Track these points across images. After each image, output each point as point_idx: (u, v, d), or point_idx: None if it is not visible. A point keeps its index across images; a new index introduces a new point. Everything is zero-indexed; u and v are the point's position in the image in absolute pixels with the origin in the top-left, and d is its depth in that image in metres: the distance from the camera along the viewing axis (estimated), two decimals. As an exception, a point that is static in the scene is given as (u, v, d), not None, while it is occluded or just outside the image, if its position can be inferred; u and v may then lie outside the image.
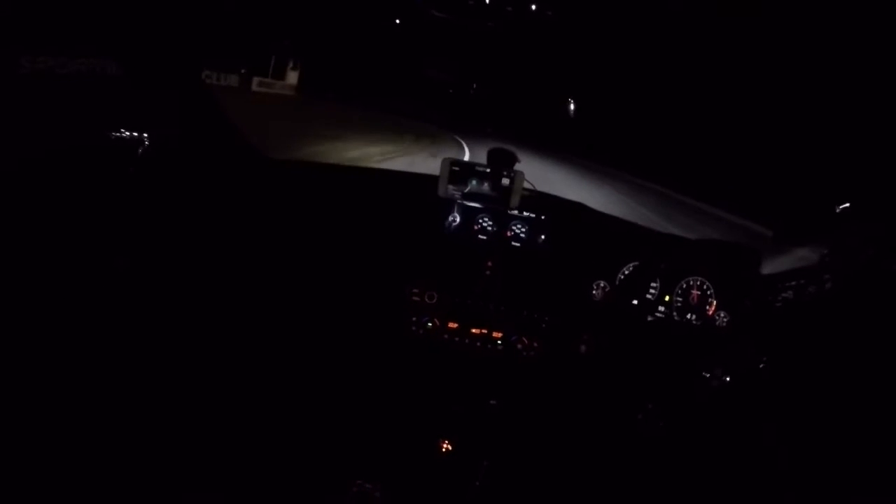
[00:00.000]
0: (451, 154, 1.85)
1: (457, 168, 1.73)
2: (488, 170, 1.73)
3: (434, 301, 1.70)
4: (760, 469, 1.61)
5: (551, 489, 1.66)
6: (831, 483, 1.42)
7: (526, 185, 1.75)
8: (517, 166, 1.77)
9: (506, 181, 1.73)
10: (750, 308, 1.72)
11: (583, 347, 1.68)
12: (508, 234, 1.75)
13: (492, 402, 1.70)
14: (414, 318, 1.71)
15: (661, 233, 1.93)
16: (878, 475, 1.34)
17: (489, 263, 1.71)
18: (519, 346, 1.69)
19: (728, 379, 1.66)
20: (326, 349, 1.74)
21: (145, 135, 1.58)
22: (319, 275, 1.73)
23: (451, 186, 1.73)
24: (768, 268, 1.80)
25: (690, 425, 1.67)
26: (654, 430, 1.62)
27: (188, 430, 1.59)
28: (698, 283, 1.75)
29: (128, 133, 1.58)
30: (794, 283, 1.67)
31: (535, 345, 1.70)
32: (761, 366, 1.61)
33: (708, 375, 1.63)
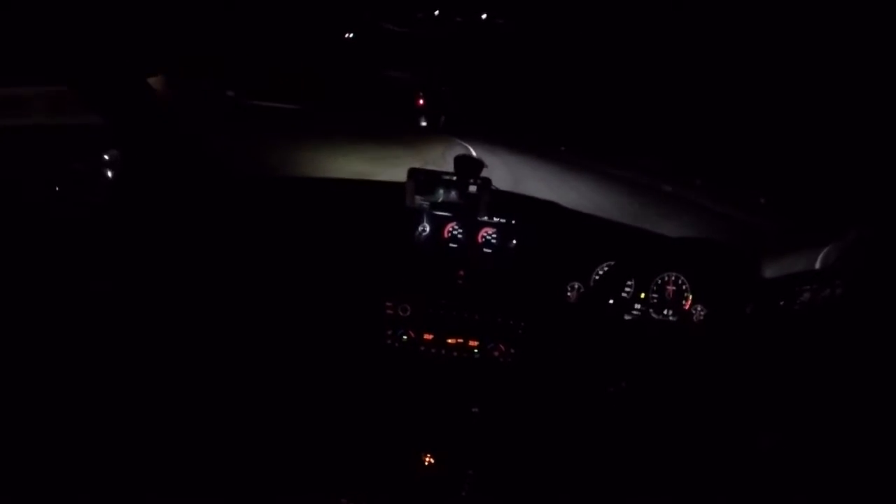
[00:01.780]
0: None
1: (423, 178, 1.72)
2: (455, 178, 1.72)
3: (408, 313, 1.68)
4: (744, 460, 1.61)
5: (537, 493, 1.64)
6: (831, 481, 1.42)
7: (495, 188, 1.74)
8: (485, 172, 1.77)
9: (473, 188, 1.72)
10: (752, 311, 1.68)
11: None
12: (479, 240, 1.74)
13: (473, 409, 1.69)
14: (389, 332, 1.69)
15: (635, 227, 1.92)
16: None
17: (461, 272, 1.70)
18: (496, 353, 1.68)
19: (705, 373, 1.66)
20: (302, 366, 1.73)
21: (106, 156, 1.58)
22: (290, 292, 1.72)
23: (418, 197, 1.72)
24: (771, 271, 1.77)
25: (668, 419, 1.66)
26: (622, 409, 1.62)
27: (163, 448, 1.58)
28: (673, 278, 1.75)
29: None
30: (805, 287, 1.65)
31: (512, 351, 1.68)
32: (772, 367, 1.59)
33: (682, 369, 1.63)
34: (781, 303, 1.65)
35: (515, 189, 1.85)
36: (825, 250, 1.68)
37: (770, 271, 1.76)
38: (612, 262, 1.73)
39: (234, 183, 1.87)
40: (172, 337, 1.67)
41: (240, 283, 1.73)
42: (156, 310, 1.66)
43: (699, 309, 1.75)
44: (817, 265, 1.70)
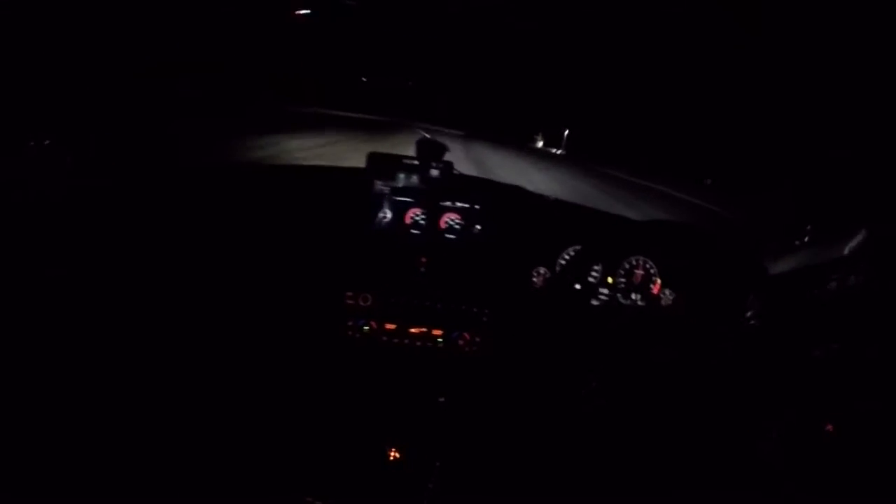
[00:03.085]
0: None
1: (383, 162, 1.66)
2: (416, 162, 1.66)
3: (369, 303, 1.62)
4: (725, 450, 1.58)
5: (506, 484, 1.60)
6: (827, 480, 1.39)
7: (459, 172, 1.69)
8: (447, 156, 1.71)
9: (435, 172, 1.66)
10: (759, 306, 1.65)
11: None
12: (442, 226, 1.68)
13: (440, 399, 1.63)
14: (350, 323, 1.63)
15: (602, 212, 1.88)
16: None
17: (423, 259, 1.64)
18: (460, 342, 1.62)
19: (676, 356, 1.63)
20: (260, 358, 1.65)
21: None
22: (246, 283, 1.64)
23: (378, 182, 1.66)
24: (777, 267, 1.74)
25: (636, 404, 1.62)
26: (596, 408, 1.58)
27: (115, 442, 1.49)
28: (640, 262, 1.71)
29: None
30: (816, 280, 1.57)
31: (477, 339, 1.63)
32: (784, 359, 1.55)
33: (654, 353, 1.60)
34: (790, 297, 1.61)
35: (480, 174, 1.79)
36: (835, 246, 1.61)
37: (780, 265, 1.74)
38: (579, 247, 1.70)
39: (188, 171, 1.79)
40: (127, 326, 1.59)
41: (195, 273, 1.65)
42: (111, 297, 1.58)
43: (668, 293, 1.72)
44: (828, 259, 1.65)
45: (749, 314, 1.63)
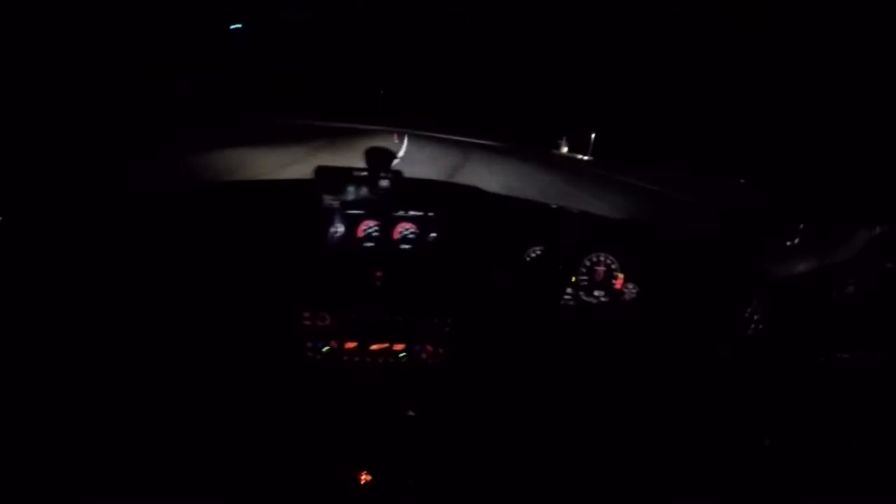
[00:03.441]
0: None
1: (330, 176, 1.60)
2: (364, 173, 1.61)
3: (327, 322, 1.56)
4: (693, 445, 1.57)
5: (483, 494, 1.57)
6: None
7: (413, 177, 1.64)
8: (410, 162, 1.67)
9: (385, 182, 1.61)
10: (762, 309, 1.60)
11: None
12: (396, 237, 1.63)
13: (409, 413, 1.59)
14: (309, 344, 1.57)
15: (560, 209, 1.85)
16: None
17: (378, 273, 1.59)
18: (423, 355, 1.58)
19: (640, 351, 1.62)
20: (221, 386, 1.58)
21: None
22: (199, 308, 1.57)
23: (327, 196, 1.60)
24: (780, 271, 1.70)
25: (609, 405, 1.61)
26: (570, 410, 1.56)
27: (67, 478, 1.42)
28: (602, 258, 1.69)
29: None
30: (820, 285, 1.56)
31: (440, 350, 1.59)
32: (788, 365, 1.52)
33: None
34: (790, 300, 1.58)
35: (439, 177, 1.74)
36: (836, 247, 1.57)
37: (782, 268, 1.69)
38: (539, 249, 1.67)
39: (138, 194, 1.69)
40: (81, 353, 1.50)
41: (149, 298, 1.57)
42: (65, 324, 1.49)
43: (631, 287, 1.70)
44: (832, 262, 1.60)
45: (752, 316, 1.59)
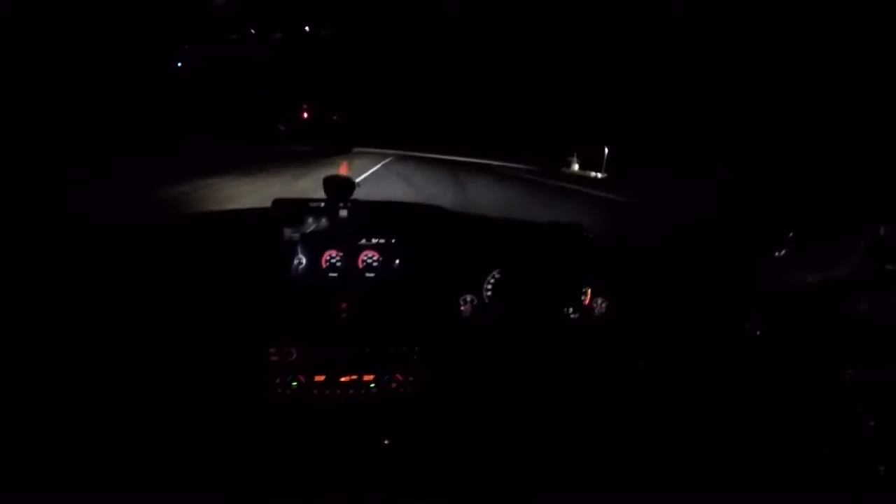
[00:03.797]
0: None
1: (289, 209, 1.59)
2: (323, 204, 1.59)
3: (294, 357, 1.55)
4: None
5: None
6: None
7: (373, 200, 1.63)
8: (370, 183, 1.64)
9: (344, 212, 1.59)
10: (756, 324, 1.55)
11: None
12: (360, 265, 1.62)
13: (384, 441, 1.58)
14: (277, 380, 1.55)
15: (522, 226, 1.83)
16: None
17: (343, 305, 1.57)
18: (393, 385, 1.57)
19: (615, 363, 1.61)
20: (189, 427, 1.56)
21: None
22: (163, 346, 1.54)
23: (287, 229, 1.58)
24: (775, 283, 1.63)
25: (588, 423, 1.60)
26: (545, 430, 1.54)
27: None
28: (567, 276, 1.68)
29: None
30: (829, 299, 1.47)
31: (411, 378, 1.58)
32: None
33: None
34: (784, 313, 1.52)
35: (401, 196, 1.72)
36: (834, 254, 1.48)
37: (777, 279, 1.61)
38: (503, 273, 1.65)
39: (95, 230, 1.66)
40: (50, 397, 1.47)
41: (109, 338, 1.53)
42: (30, 368, 1.46)
43: (600, 302, 1.69)
44: (827, 270, 1.50)
45: (752, 331, 1.54)
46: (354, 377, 1.56)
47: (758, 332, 1.48)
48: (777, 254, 1.57)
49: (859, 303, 1.39)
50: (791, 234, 1.54)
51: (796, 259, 1.54)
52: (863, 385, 1.37)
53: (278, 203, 1.60)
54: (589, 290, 1.68)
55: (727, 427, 1.52)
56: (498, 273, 1.65)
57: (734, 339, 1.57)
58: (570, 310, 1.68)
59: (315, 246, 1.60)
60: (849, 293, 1.40)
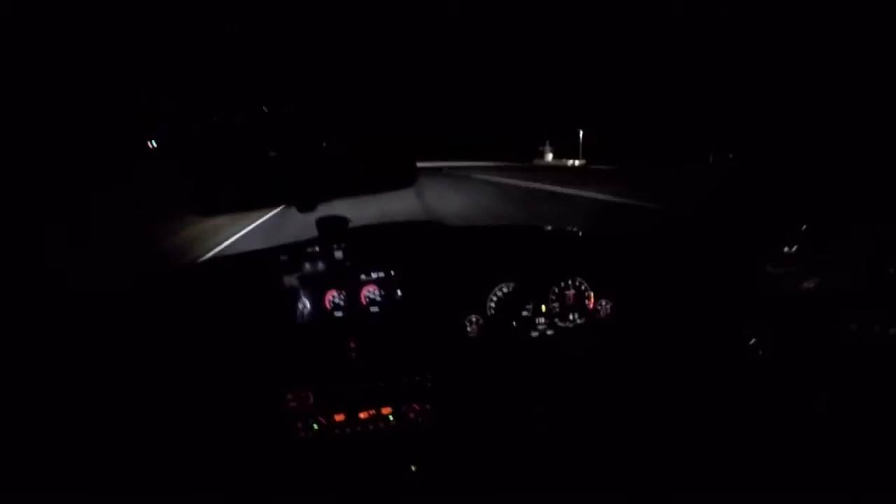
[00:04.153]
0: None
1: (284, 257, 1.60)
2: (317, 248, 1.60)
3: (312, 400, 1.58)
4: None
5: None
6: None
7: (366, 224, 1.64)
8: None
9: (339, 253, 1.61)
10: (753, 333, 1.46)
11: None
12: (363, 301, 1.64)
13: (412, 468, 1.61)
14: (299, 424, 1.59)
15: (519, 232, 1.83)
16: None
17: (352, 344, 1.59)
18: (411, 415, 1.59)
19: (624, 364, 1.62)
20: (216, 480, 1.60)
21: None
22: (180, 402, 1.56)
23: (286, 276, 1.60)
24: (780, 286, 1.48)
25: (604, 428, 1.61)
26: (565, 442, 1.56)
27: None
28: (570, 282, 1.68)
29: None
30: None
31: (428, 406, 1.60)
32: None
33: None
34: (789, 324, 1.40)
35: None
36: (845, 254, 1.34)
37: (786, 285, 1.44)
38: (505, 287, 1.66)
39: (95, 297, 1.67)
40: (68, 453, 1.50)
41: (126, 399, 1.55)
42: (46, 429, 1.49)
43: (604, 304, 1.69)
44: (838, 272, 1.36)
45: (749, 336, 1.46)
46: (373, 412, 1.59)
47: (753, 339, 1.43)
48: (787, 249, 1.42)
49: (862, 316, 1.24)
50: (804, 228, 1.38)
51: (804, 258, 1.39)
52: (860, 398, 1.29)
53: (272, 252, 1.61)
54: (592, 294, 1.69)
55: (728, 432, 1.51)
56: (500, 289, 1.66)
57: (732, 344, 1.51)
58: (576, 315, 1.69)
59: (316, 288, 1.62)
60: (852, 302, 1.27)
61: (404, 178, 1.28)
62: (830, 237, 1.27)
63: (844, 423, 1.24)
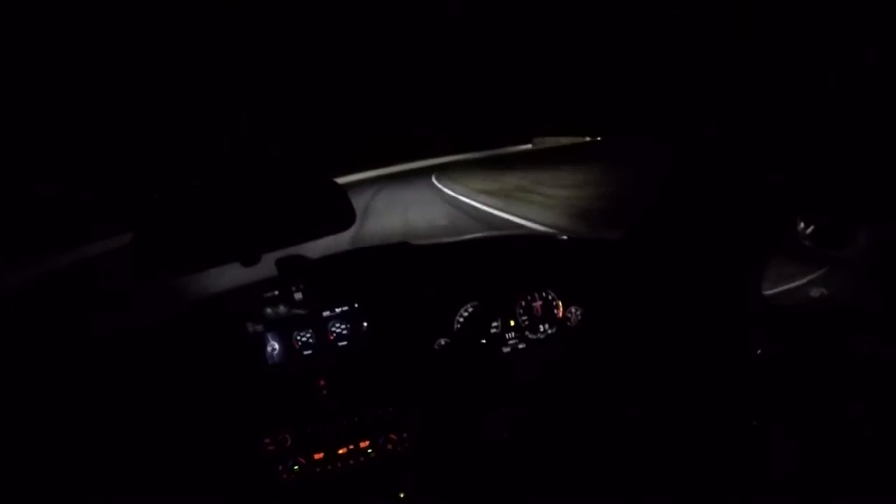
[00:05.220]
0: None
1: (243, 304, 1.60)
2: (277, 292, 1.60)
3: (290, 443, 1.58)
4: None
5: None
6: None
7: (327, 255, 1.63)
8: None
9: (298, 295, 1.60)
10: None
11: None
12: (331, 337, 1.63)
13: (401, 495, 1.61)
14: (279, 468, 1.59)
15: (483, 243, 1.80)
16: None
17: (321, 382, 1.59)
18: (389, 446, 1.59)
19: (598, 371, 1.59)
20: None
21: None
22: (158, 457, 1.56)
23: (249, 324, 1.60)
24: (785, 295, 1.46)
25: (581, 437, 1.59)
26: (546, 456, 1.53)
27: None
28: (536, 293, 1.66)
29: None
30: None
31: (405, 435, 1.60)
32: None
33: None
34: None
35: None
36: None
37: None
38: (469, 307, 1.64)
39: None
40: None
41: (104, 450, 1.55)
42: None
43: (574, 311, 1.67)
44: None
45: (754, 348, 1.39)
46: (351, 447, 1.59)
47: (758, 351, 1.35)
48: (803, 227, 1.28)
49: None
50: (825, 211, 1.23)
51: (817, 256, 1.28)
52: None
53: (235, 294, 1.61)
54: (560, 303, 1.66)
55: (709, 435, 1.47)
56: (466, 309, 1.64)
57: (733, 352, 1.43)
58: (546, 326, 1.66)
59: (282, 330, 1.61)
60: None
61: (342, 220, 1.27)
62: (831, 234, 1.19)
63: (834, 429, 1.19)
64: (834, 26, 0.81)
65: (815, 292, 1.27)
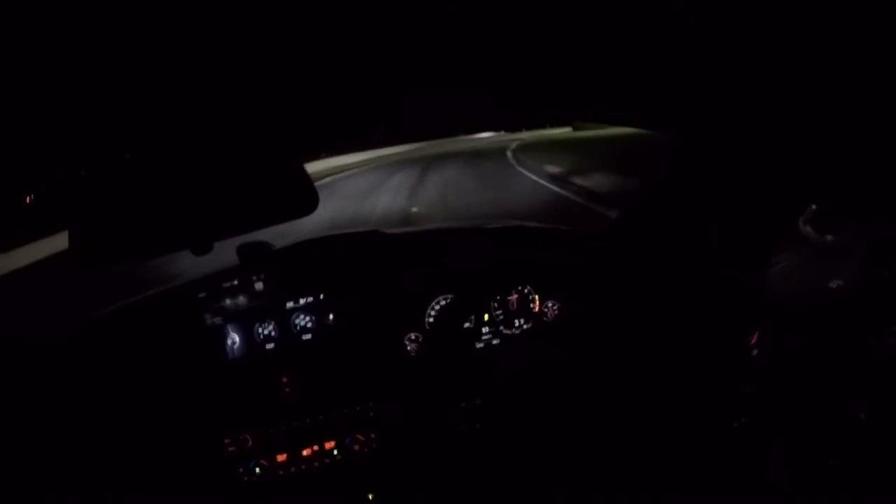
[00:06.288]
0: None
1: (203, 294, 1.50)
2: (236, 281, 1.50)
3: (251, 444, 1.49)
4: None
5: None
6: None
7: (293, 243, 1.53)
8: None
9: (259, 285, 1.50)
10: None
11: None
12: (295, 330, 1.53)
13: (369, 496, 1.53)
14: (240, 469, 1.50)
15: (458, 234, 1.72)
16: None
17: (284, 379, 1.50)
18: (356, 447, 1.51)
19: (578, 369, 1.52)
20: None
21: None
22: (114, 455, 1.46)
23: (208, 315, 1.50)
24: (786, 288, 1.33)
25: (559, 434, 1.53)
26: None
27: None
28: (510, 288, 1.58)
29: None
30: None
31: (372, 436, 1.51)
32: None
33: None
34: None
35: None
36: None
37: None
38: (442, 300, 1.56)
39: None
40: None
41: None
42: None
43: (551, 305, 1.60)
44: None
45: (754, 348, 1.33)
46: (316, 448, 1.50)
47: (756, 351, 1.29)
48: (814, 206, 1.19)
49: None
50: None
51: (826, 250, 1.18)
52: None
53: (192, 286, 1.50)
54: (537, 297, 1.59)
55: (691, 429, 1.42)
56: (438, 302, 1.56)
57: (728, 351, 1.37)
58: (522, 321, 1.59)
59: (243, 322, 1.52)
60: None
61: (303, 203, 1.16)
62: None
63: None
64: (836, 25, 0.75)
65: (832, 283, 1.18)
